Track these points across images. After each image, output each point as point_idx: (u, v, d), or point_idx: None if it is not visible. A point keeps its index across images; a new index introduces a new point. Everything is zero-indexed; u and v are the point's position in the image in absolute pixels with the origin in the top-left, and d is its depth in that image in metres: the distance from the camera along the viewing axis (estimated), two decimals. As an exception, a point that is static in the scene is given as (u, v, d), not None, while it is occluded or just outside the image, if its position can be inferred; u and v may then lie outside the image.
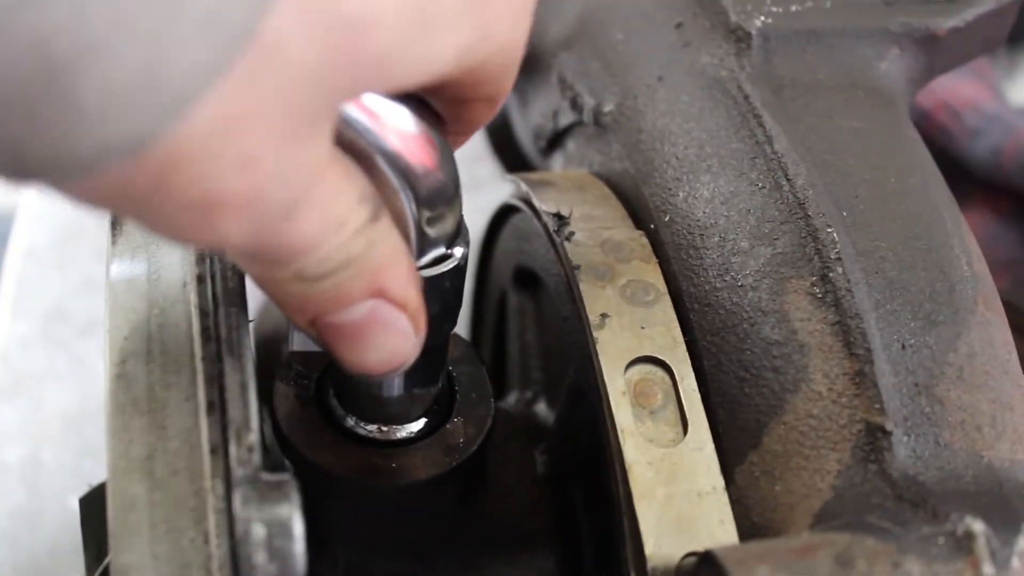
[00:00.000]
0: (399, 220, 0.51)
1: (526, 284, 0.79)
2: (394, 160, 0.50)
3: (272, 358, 0.72)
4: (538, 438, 0.71)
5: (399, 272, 0.49)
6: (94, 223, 1.23)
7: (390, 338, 0.50)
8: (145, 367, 0.55)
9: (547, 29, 0.82)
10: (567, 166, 0.79)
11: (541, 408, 0.76)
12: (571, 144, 0.78)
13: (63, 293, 1.20)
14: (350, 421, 0.62)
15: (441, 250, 0.54)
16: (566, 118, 0.77)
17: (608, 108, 0.72)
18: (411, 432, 0.63)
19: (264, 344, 0.79)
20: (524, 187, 0.70)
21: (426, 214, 0.52)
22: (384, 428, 0.62)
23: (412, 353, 0.52)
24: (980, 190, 0.67)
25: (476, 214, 0.68)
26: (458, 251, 0.55)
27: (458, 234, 0.55)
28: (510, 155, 0.98)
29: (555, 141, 0.80)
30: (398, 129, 0.50)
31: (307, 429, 0.62)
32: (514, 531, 0.68)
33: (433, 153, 0.52)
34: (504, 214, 0.80)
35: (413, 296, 0.50)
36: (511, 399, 0.81)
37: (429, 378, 0.61)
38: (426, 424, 0.63)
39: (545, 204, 0.68)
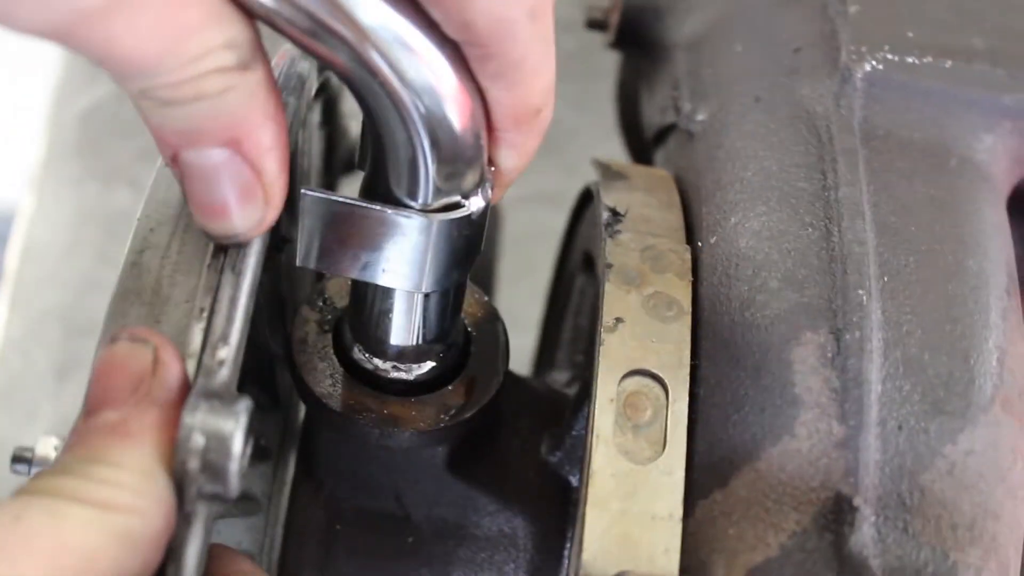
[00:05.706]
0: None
1: (591, 269, 0.79)
2: (423, 105, 0.49)
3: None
4: (553, 421, 0.71)
5: (259, 133, 0.49)
6: (94, 225, 1.25)
7: (235, 194, 0.51)
8: (160, 261, 0.57)
9: (682, 23, 0.81)
10: (665, 164, 0.78)
11: (574, 392, 0.76)
12: (671, 143, 0.77)
13: (62, 294, 1.20)
14: (357, 352, 0.64)
15: (455, 198, 0.54)
16: (669, 116, 0.76)
17: (701, 117, 0.71)
18: (414, 376, 0.64)
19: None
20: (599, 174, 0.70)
21: (445, 169, 0.52)
22: (392, 364, 0.63)
23: (256, 220, 0.52)
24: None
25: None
26: (473, 203, 0.55)
27: (477, 187, 0.55)
28: (635, 137, 0.97)
29: (660, 137, 0.80)
30: (438, 69, 0.49)
31: (315, 356, 0.64)
32: (498, 507, 0.68)
33: (465, 108, 0.51)
34: (588, 197, 0.80)
35: (272, 167, 0.50)
36: (552, 377, 0.81)
37: (437, 324, 0.62)
38: (431, 370, 0.64)
39: (608, 196, 0.67)
